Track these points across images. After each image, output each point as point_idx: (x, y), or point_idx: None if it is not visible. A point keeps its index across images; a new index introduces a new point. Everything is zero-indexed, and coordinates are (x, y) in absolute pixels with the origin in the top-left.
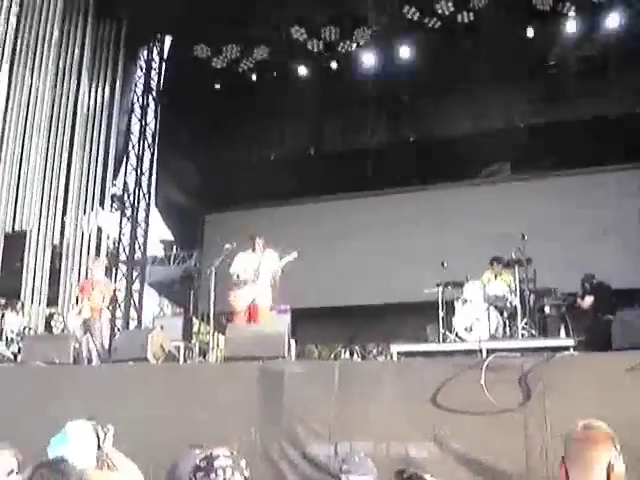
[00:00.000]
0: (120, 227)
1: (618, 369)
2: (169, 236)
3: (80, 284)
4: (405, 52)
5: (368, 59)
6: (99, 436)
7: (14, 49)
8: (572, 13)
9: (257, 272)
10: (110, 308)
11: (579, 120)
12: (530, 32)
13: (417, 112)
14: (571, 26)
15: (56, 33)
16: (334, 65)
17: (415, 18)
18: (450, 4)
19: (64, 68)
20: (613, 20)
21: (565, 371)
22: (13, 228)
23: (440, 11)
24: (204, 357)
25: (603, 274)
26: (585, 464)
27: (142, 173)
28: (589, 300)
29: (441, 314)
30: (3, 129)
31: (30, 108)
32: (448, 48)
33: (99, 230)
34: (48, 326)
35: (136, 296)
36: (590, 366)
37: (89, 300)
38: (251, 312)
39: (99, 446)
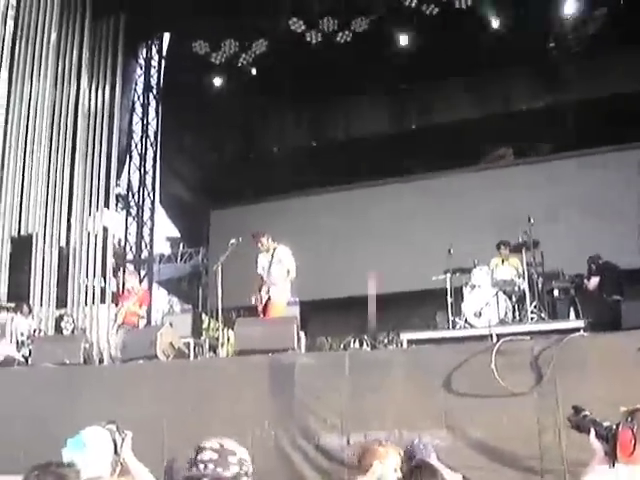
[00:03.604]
0: (126, 226)
1: (630, 348)
2: (175, 233)
3: (120, 297)
4: (404, 40)
5: (367, 48)
6: (116, 442)
7: (12, 53)
8: None
9: (269, 270)
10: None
11: (580, 102)
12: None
13: (417, 100)
14: (570, 6)
15: (54, 35)
16: (333, 56)
17: (413, 5)
18: None
19: (63, 70)
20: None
21: (576, 352)
22: (19, 232)
23: None
24: (214, 353)
25: (610, 254)
26: None
27: (146, 172)
28: (595, 281)
29: (450, 301)
30: (5, 135)
31: (31, 112)
32: (447, 34)
33: (105, 230)
34: (58, 328)
35: None
36: (601, 347)
37: (123, 306)
38: (265, 308)
39: (116, 452)
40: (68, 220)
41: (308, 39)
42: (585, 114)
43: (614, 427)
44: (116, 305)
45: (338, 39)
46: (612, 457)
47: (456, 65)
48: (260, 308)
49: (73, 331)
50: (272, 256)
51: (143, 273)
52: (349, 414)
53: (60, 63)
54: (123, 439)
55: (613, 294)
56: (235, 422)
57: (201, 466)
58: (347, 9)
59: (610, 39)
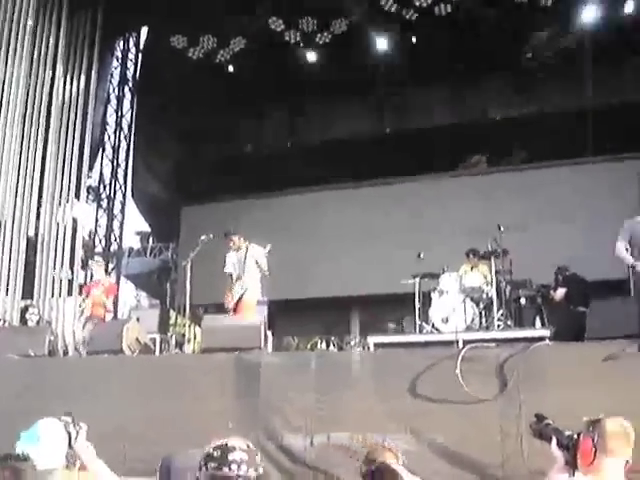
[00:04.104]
0: (96, 219)
1: (593, 360)
2: (145, 228)
3: (86, 287)
4: (382, 44)
5: (345, 50)
6: (70, 435)
7: None
8: (549, 4)
9: (243, 267)
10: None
11: (554, 112)
12: (507, 24)
13: (394, 104)
14: (548, 19)
15: (30, 22)
16: (311, 57)
17: (393, 10)
18: None
19: (38, 58)
20: (589, 14)
21: (540, 361)
22: None
23: (418, 3)
24: (180, 349)
25: (579, 265)
26: (619, 454)
27: (118, 165)
28: (561, 292)
29: (417, 305)
30: None
31: (4, 99)
32: (425, 40)
33: (74, 222)
34: (23, 318)
35: None
36: (565, 357)
37: (88, 297)
38: (236, 305)
39: (70, 445)
40: (38, 209)
41: (287, 39)
42: (559, 124)
43: (575, 436)
44: (80, 295)
45: (317, 40)
46: (572, 466)
47: (434, 71)
48: (232, 306)
49: (38, 322)
50: (245, 255)
51: (111, 266)
52: (314, 415)
53: (35, 51)
54: (77, 432)
55: (579, 305)
56: (199, 420)
57: (234, 466)
58: (327, 11)
59: (586, 51)
